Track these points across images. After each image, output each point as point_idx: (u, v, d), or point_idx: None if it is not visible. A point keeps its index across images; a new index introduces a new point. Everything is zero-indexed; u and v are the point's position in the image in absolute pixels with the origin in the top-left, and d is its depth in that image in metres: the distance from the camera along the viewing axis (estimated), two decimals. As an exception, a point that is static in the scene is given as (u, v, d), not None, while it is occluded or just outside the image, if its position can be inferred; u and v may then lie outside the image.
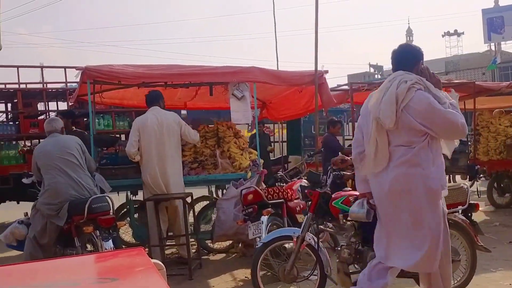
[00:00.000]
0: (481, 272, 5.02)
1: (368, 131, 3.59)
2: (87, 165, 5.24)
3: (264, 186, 6.74)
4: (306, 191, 4.75)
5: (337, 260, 4.31)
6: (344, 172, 4.43)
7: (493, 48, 41.31)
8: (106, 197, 5.09)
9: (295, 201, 6.08)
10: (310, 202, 4.41)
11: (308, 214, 4.33)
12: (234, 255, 6.75)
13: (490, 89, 9.18)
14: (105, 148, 7.12)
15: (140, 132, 5.93)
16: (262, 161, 7.28)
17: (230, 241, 6.77)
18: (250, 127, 9.71)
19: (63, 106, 10.62)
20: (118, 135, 8.99)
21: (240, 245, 6.72)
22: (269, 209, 5.48)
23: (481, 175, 10.19)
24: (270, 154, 11.24)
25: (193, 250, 6.77)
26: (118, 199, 7.14)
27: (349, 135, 12.17)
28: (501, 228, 7.50)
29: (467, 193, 4.48)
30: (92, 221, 4.79)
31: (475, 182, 10.65)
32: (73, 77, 7.32)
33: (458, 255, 4.44)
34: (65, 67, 10.50)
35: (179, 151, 6.30)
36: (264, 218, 5.32)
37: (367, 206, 3.76)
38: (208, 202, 7.08)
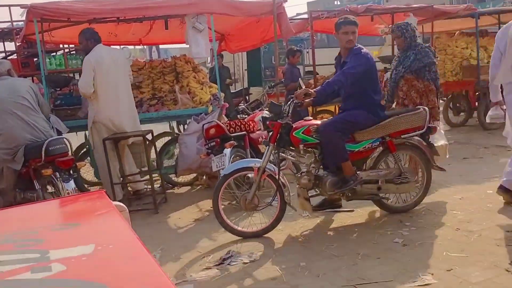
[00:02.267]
0: (437, 188, 5.27)
1: (506, 48, 4.47)
2: (41, 108, 5.04)
3: (225, 119, 6.72)
4: (267, 122, 4.76)
5: (297, 186, 4.43)
6: (305, 100, 4.43)
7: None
8: (63, 138, 4.96)
9: (257, 132, 6.11)
10: (271, 133, 4.44)
11: (269, 145, 4.37)
12: (199, 187, 6.82)
13: (448, 12, 9.22)
14: (59, 89, 6.86)
15: (96, 71, 5.71)
16: (222, 94, 7.21)
17: (194, 174, 6.81)
18: (209, 61, 9.56)
19: (10, 46, 10.09)
20: (71, 75, 8.64)
21: (204, 177, 6.78)
22: (232, 141, 5.49)
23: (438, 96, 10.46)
24: (231, 86, 11.14)
25: (158, 185, 6.80)
26: (77, 139, 7.03)
27: (309, 64, 12.13)
28: (456, 145, 7.80)
29: (426, 117, 4.59)
30: (50, 163, 4.69)
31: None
32: (18, 15, 6.90)
33: (415, 176, 4.62)
34: (9, 5, 9.89)
35: (131, 89, 6.14)
36: (227, 151, 5.34)
37: (501, 111, 4.75)
38: (170, 138, 7.03)
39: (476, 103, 9.21)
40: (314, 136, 4.38)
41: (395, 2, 30.97)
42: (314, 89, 4.36)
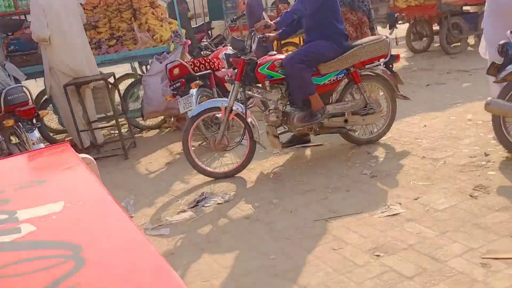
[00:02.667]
0: (402, 117, 5.34)
1: None
2: None
3: (189, 57, 6.55)
4: (230, 59, 4.66)
5: (266, 124, 4.42)
6: (269, 34, 4.33)
7: None
8: (22, 87, 4.76)
9: (222, 70, 5.99)
10: (236, 70, 4.35)
11: (235, 83, 4.30)
12: (167, 130, 6.74)
13: None
14: (11, 33, 6.50)
15: (46, 13, 5.38)
16: (184, 31, 6.98)
17: (162, 117, 6.71)
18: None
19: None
20: (23, 17, 8.18)
21: (172, 119, 6.69)
22: (197, 81, 5.36)
23: (400, 22, 10.40)
24: (192, 21, 10.77)
25: (125, 130, 6.69)
26: (36, 86, 6.77)
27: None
28: (419, 72, 7.87)
29: (389, 45, 4.56)
30: (11, 114, 4.53)
31: (394, 30, 10.90)
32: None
33: (380, 106, 4.66)
34: None
35: (84, 30, 5.87)
36: (193, 91, 5.23)
37: None
38: (133, 80, 6.82)
39: (438, 27, 9.21)
40: (279, 71, 4.32)
41: None
42: (273, 21, 4.21)
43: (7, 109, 4.52)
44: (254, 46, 4.31)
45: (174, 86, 5.37)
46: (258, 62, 4.34)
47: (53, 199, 1.61)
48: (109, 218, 1.44)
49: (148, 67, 6.65)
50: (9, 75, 5.13)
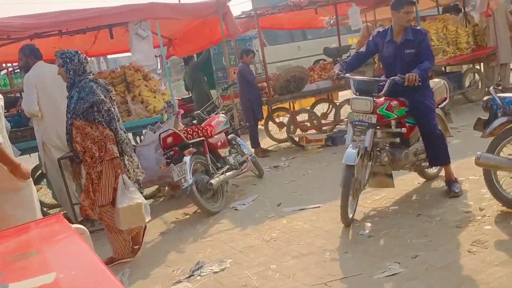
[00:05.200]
0: (395, 175, 5.33)
1: None
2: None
3: (182, 126, 6.64)
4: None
5: (377, 164, 4.48)
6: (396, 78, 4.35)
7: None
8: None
9: (215, 136, 6.06)
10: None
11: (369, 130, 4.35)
12: (162, 198, 6.71)
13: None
14: (6, 110, 6.60)
15: (38, 89, 5.50)
16: (177, 101, 7.13)
17: (156, 186, 6.70)
18: (160, 68, 9.43)
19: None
20: (18, 94, 8.36)
21: (166, 188, 6.68)
22: (191, 149, 5.42)
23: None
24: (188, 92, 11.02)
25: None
26: (31, 161, 6.80)
27: (260, 61, 12.16)
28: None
29: (447, 89, 4.96)
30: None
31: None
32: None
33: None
34: None
35: None
36: (187, 159, 5.27)
37: None
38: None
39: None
40: (395, 112, 4.40)
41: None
42: (343, 64, 4.68)
43: (1, 185, 4.50)
44: (385, 89, 4.38)
45: (168, 154, 5.41)
46: (376, 102, 4.34)
47: (45, 271, 1.60)
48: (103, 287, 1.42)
49: (142, 137, 6.72)
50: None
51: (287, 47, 15.53)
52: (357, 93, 4.44)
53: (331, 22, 10.50)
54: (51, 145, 5.66)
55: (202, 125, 6.18)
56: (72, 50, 4.37)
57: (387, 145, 4.61)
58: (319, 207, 4.95)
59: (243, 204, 5.58)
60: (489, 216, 3.90)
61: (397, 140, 4.57)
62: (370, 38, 4.92)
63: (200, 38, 8.95)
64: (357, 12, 8.89)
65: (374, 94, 4.36)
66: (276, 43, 15.14)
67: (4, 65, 9.07)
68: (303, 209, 4.96)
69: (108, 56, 18.03)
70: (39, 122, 5.64)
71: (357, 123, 4.35)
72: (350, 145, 4.23)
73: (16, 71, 9.47)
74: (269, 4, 9.74)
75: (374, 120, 4.28)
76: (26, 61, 5.62)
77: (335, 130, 8.55)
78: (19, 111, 6.46)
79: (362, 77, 4.83)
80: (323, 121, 8.85)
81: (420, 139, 4.65)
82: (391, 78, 4.38)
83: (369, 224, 4.25)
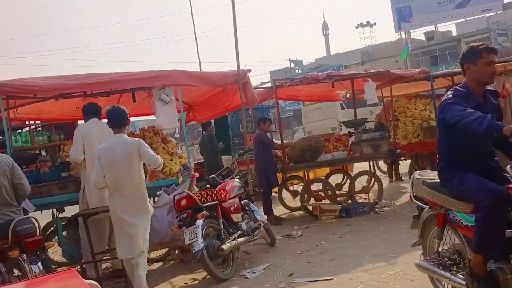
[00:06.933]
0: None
1: None
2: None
3: (196, 189, 6.67)
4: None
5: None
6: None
7: (403, 36, 43.71)
8: (31, 218, 4.81)
9: (229, 201, 6.07)
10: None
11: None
12: (171, 262, 6.63)
13: (404, 76, 9.64)
14: (25, 166, 6.73)
15: (85, 142, 5.83)
16: (193, 164, 7.20)
17: (166, 249, 6.64)
18: (178, 132, 9.62)
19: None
20: (37, 151, 8.54)
21: (177, 251, 6.62)
22: (204, 212, 5.42)
23: (402, 158, 10.79)
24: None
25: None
26: (41, 218, 6.81)
27: (275, 130, 12.36)
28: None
29: None
30: (17, 244, 4.50)
31: (398, 165, 11.23)
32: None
33: None
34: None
35: None
36: (200, 222, 5.25)
37: None
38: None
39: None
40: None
41: (354, 69, 32.42)
42: None
43: (14, 240, 4.49)
44: None
45: (181, 216, 5.40)
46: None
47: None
48: None
49: (156, 198, 6.76)
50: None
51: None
52: None
53: (347, 96, 10.73)
54: (89, 194, 5.88)
55: (217, 189, 6.21)
56: None
57: None
58: (331, 279, 4.84)
59: (254, 272, 5.49)
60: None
61: None
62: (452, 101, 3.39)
63: (218, 105, 9.17)
64: (373, 88, 9.10)
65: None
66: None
67: (27, 122, 9.32)
68: (315, 280, 4.85)
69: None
70: (82, 171, 5.98)
71: None
72: None
73: (38, 129, 9.73)
74: (286, 76, 10.04)
75: None
76: (84, 118, 6.20)
77: (349, 201, 8.50)
78: (38, 167, 6.58)
79: None
80: (337, 192, 8.82)
81: None
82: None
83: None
